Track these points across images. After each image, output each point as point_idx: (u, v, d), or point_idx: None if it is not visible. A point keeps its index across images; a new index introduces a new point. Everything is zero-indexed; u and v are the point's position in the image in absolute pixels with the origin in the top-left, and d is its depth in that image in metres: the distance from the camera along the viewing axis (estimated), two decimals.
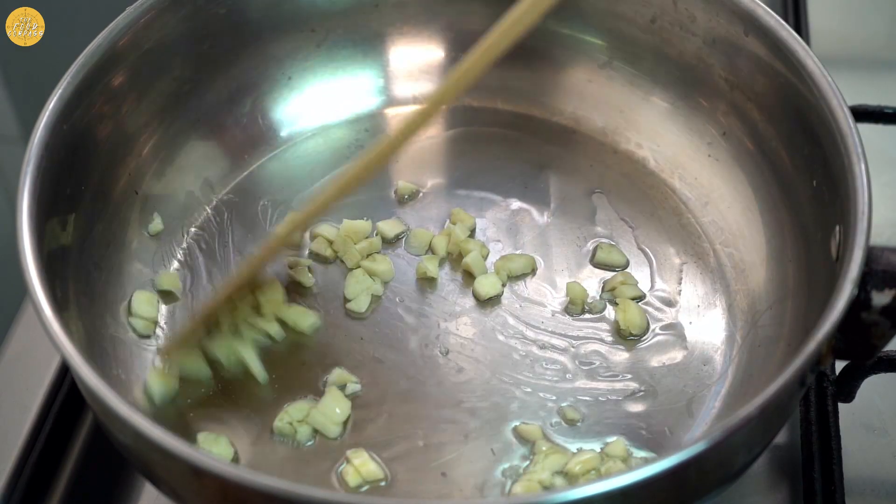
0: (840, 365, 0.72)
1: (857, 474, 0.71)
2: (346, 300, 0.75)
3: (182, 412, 0.69)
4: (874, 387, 0.72)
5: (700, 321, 0.74)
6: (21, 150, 0.66)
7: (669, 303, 0.75)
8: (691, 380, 0.71)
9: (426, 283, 0.77)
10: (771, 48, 0.72)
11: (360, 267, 0.77)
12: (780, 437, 0.72)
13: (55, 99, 0.68)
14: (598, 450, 0.67)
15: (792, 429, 0.73)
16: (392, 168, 0.83)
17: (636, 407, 0.70)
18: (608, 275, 0.77)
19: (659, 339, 0.73)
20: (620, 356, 0.73)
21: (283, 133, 0.84)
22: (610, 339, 0.73)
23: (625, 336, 0.73)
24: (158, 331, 0.73)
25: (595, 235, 0.79)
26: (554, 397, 0.70)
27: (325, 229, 0.78)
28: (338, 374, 0.71)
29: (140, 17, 0.74)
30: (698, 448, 0.54)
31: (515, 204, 0.81)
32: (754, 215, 0.77)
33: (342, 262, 0.78)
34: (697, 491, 0.59)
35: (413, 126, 0.65)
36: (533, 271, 0.77)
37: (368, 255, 0.78)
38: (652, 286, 0.76)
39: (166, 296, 0.75)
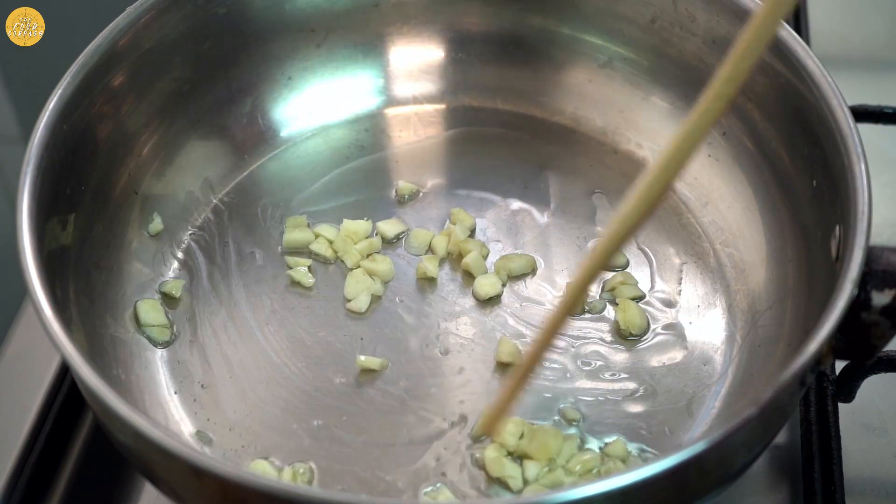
0: (840, 365, 0.72)
1: (857, 474, 0.71)
2: (347, 300, 0.75)
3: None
4: (874, 387, 0.72)
5: (700, 321, 0.74)
6: (21, 150, 0.66)
7: (669, 303, 0.75)
8: (691, 380, 0.71)
9: (426, 283, 0.77)
10: (771, 48, 0.72)
11: (360, 267, 0.77)
12: (780, 437, 0.72)
13: (55, 99, 0.68)
14: (598, 449, 0.67)
15: (792, 429, 0.73)
16: (392, 168, 0.84)
17: (636, 407, 0.70)
18: (608, 275, 0.77)
19: (659, 339, 0.73)
20: (620, 356, 0.72)
21: (283, 133, 0.85)
22: (610, 339, 0.73)
23: (625, 336, 0.73)
24: (171, 334, 0.74)
25: (595, 235, 0.79)
26: (554, 397, 0.70)
27: (325, 229, 0.79)
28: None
29: (140, 17, 0.74)
30: (698, 448, 0.54)
31: (515, 204, 0.81)
32: (754, 215, 0.77)
33: (342, 262, 0.78)
34: (697, 491, 0.59)
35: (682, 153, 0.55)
36: (533, 271, 0.77)
37: (368, 255, 0.78)
38: (652, 286, 0.76)
39: (170, 300, 0.75)
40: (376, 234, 0.79)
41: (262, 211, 0.81)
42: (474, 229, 0.80)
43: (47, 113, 0.67)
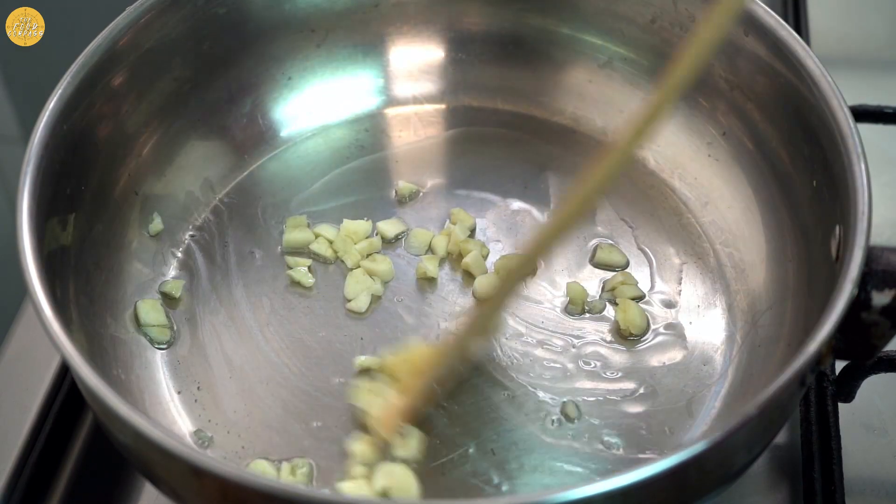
0: (840, 365, 0.72)
1: (857, 474, 0.71)
2: (347, 300, 0.75)
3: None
4: (874, 387, 0.72)
5: (700, 321, 0.74)
6: (21, 150, 0.66)
7: (669, 303, 0.75)
8: (691, 380, 0.71)
9: (426, 283, 0.77)
10: (771, 48, 0.72)
11: (360, 267, 0.77)
12: (780, 437, 0.72)
13: (55, 99, 0.68)
14: (598, 449, 0.67)
15: (792, 429, 0.73)
16: (392, 168, 0.84)
17: (636, 407, 0.70)
18: (608, 275, 0.77)
19: (659, 339, 0.73)
20: (620, 356, 0.73)
21: (283, 133, 0.85)
22: (610, 339, 0.73)
23: (625, 336, 0.73)
24: (171, 334, 0.74)
25: (595, 235, 0.79)
26: (554, 397, 0.70)
27: (325, 229, 0.79)
28: None
29: (140, 17, 0.74)
30: (698, 448, 0.54)
31: (515, 204, 0.81)
32: (754, 215, 0.77)
33: (342, 262, 0.78)
34: (697, 491, 0.59)
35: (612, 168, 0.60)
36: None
37: (368, 255, 0.78)
38: (652, 286, 0.76)
39: (170, 300, 0.75)
40: (376, 234, 0.79)
41: (262, 211, 0.81)
42: (474, 229, 0.80)
43: (47, 113, 0.67)
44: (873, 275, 0.59)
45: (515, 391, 0.70)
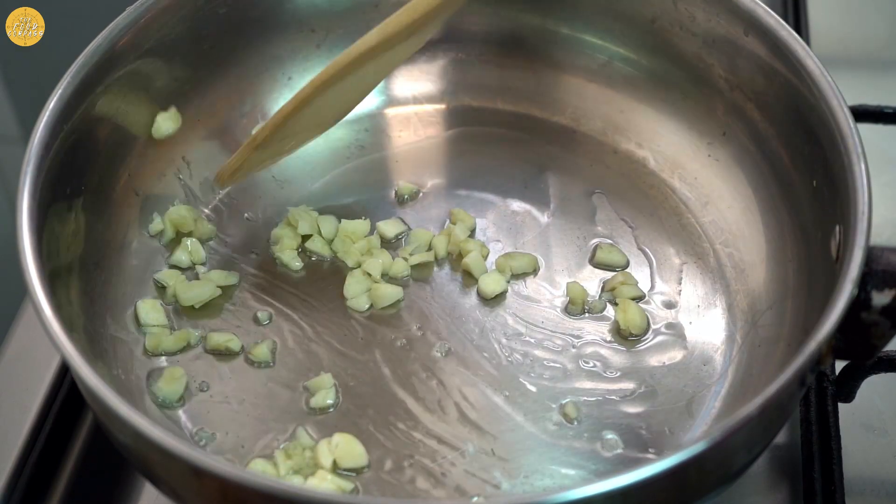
0: (840, 365, 0.72)
1: (857, 474, 0.71)
2: (346, 300, 0.75)
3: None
4: (874, 387, 0.72)
5: (700, 321, 0.74)
6: (21, 150, 0.66)
7: (669, 303, 0.75)
8: (691, 380, 0.71)
9: (426, 282, 0.77)
10: (771, 48, 0.72)
11: (359, 267, 0.77)
12: (780, 437, 0.72)
13: (55, 99, 0.68)
14: (597, 449, 0.67)
15: (792, 429, 0.73)
16: (392, 168, 0.84)
17: (636, 407, 0.70)
18: (608, 275, 0.77)
19: (659, 339, 0.73)
20: (620, 356, 0.73)
21: None
22: (610, 339, 0.73)
23: (625, 336, 0.73)
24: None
25: (595, 235, 0.79)
26: (554, 397, 0.70)
27: (324, 226, 0.78)
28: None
29: (140, 17, 0.74)
30: (698, 448, 0.54)
31: (515, 204, 0.81)
32: (754, 215, 0.77)
33: (342, 261, 0.78)
34: (697, 491, 0.59)
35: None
36: (535, 271, 0.77)
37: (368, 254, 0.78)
38: (652, 286, 0.76)
39: (161, 290, 0.75)
40: (375, 234, 0.79)
41: (261, 211, 0.81)
42: (474, 229, 0.80)
43: (47, 113, 0.67)
44: (873, 275, 0.59)
45: (515, 391, 0.70)
